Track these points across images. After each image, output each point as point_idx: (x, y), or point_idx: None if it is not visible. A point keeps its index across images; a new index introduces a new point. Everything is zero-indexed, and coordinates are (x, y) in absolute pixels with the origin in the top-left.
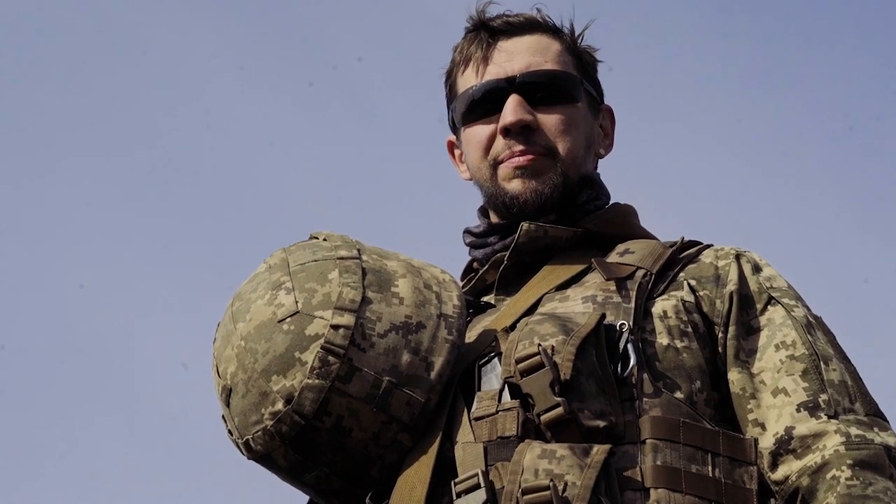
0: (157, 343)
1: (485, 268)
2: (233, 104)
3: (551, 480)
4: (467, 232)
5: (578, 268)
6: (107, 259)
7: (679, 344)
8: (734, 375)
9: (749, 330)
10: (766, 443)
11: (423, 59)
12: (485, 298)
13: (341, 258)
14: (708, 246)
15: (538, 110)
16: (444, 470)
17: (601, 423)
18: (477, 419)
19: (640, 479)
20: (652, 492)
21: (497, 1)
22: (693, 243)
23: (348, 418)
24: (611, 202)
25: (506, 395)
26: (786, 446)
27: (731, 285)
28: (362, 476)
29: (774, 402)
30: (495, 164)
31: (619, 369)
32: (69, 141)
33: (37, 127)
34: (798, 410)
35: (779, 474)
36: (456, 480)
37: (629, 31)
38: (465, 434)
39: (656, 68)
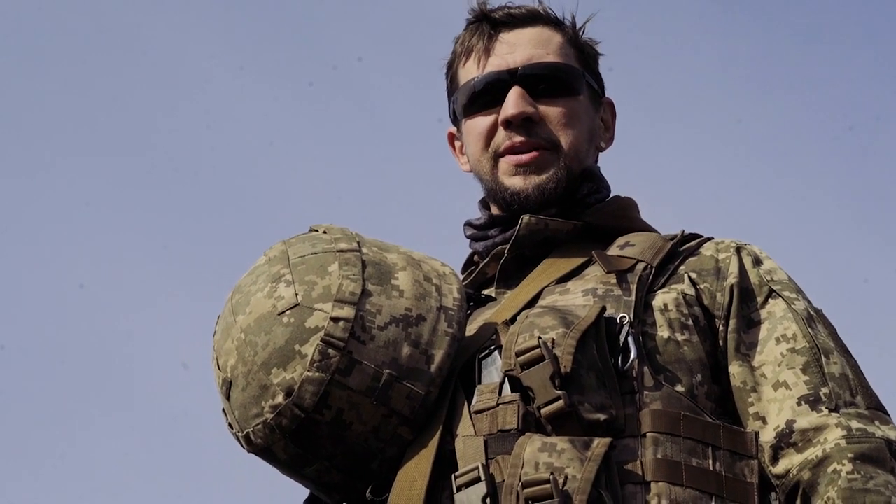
0: (157, 343)
1: (485, 261)
2: (233, 104)
3: (552, 474)
4: (468, 224)
5: (579, 261)
6: (107, 259)
7: (680, 337)
8: (735, 369)
9: (750, 323)
10: (767, 436)
11: (424, 58)
12: (485, 291)
13: (341, 251)
14: (708, 239)
15: (540, 103)
16: (445, 463)
17: (602, 417)
18: (477, 412)
19: (640, 472)
20: (652, 485)
21: None
22: (694, 236)
23: (348, 411)
24: (611, 195)
25: (506, 388)
26: (787, 440)
27: (732, 278)
28: (362, 469)
29: (775, 395)
30: (496, 156)
31: (619, 362)
32: (69, 141)
33: (37, 126)
34: (799, 404)
35: (780, 468)
36: (456, 474)
37: (629, 31)
38: (465, 427)
39: (656, 67)
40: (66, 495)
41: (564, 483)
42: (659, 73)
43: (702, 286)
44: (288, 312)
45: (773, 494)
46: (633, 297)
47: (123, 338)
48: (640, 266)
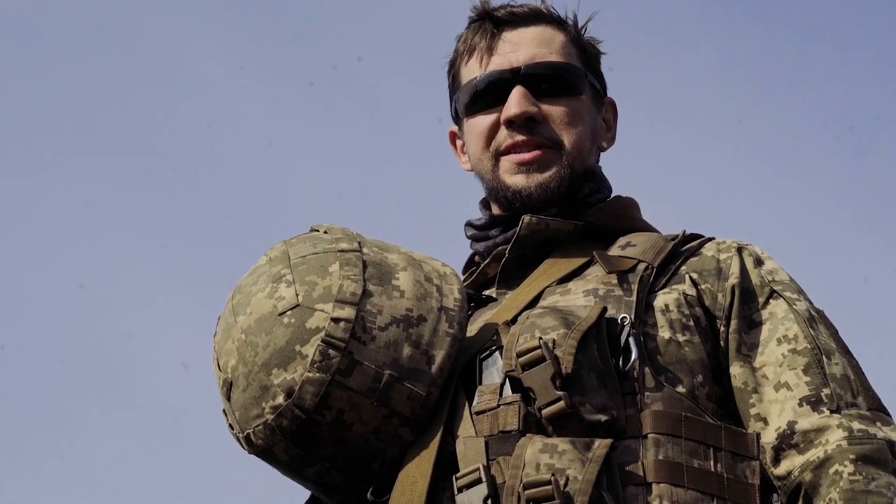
0: (157, 343)
1: (486, 261)
2: (233, 104)
3: (553, 475)
4: (469, 224)
5: (580, 261)
6: (107, 259)
7: (681, 338)
8: (736, 369)
9: (751, 324)
10: (769, 437)
11: (424, 58)
12: (486, 292)
13: (342, 251)
14: (710, 239)
15: (542, 102)
16: (446, 464)
17: (603, 418)
18: (478, 413)
19: (641, 473)
20: (654, 486)
21: None
22: (695, 236)
23: (349, 412)
24: (612, 195)
25: (507, 388)
26: (788, 441)
27: (733, 279)
28: (363, 470)
29: (776, 396)
30: (497, 154)
31: (620, 363)
32: (69, 141)
33: (37, 126)
34: (800, 405)
35: (781, 469)
36: (457, 475)
37: (629, 31)
38: (466, 428)
39: (656, 67)
40: (66, 495)
41: (566, 484)
42: (659, 73)
43: (703, 286)
44: (289, 313)
45: (774, 496)
46: (634, 298)
47: (123, 338)
48: (642, 266)
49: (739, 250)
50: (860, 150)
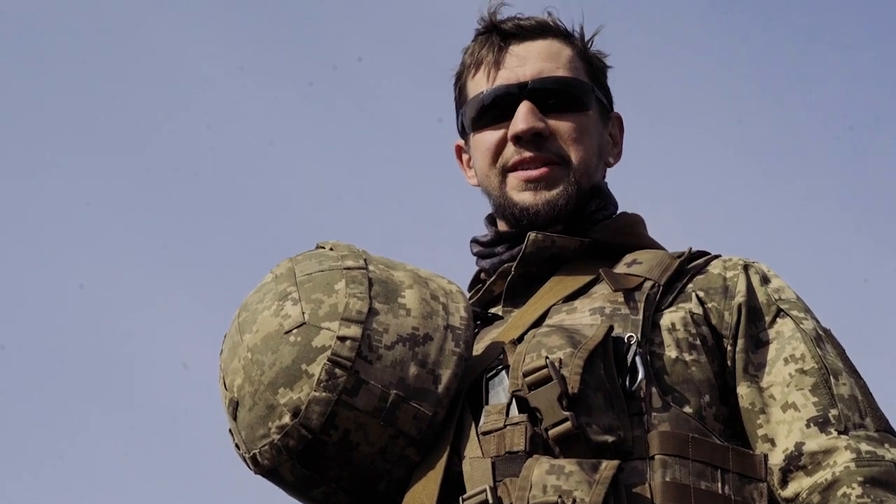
0: (157, 343)
1: (492, 278)
2: (233, 104)
3: (559, 497)
4: (474, 241)
5: (586, 279)
6: (107, 259)
7: (688, 357)
8: (743, 389)
9: (758, 343)
10: (776, 459)
11: (424, 58)
12: (492, 310)
13: (348, 268)
14: (716, 256)
15: (550, 117)
16: (452, 485)
17: (610, 438)
18: (485, 433)
19: (648, 495)
20: None
21: (508, 2)
22: (701, 254)
23: (355, 432)
24: (618, 211)
25: (514, 408)
26: (796, 462)
27: (740, 297)
28: (370, 491)
29: (784, 417)
30: (504, 171)
31: (627, 383)
32: (69, 140)
33: (37, 126)
34: (808, 426)
35: (789, 491)
36: (464, 496)
37: (629, 32)
38: (472, 449)
39: (656, 67)
40: (66, 495)
41: None
42: (659, 73)
43: (709, 305)
44: (295, 331)
45: None
46: (640, 316)
47: (123, 338)
48: (648, 284)
49: (746, 268)
50: (860, 150)
